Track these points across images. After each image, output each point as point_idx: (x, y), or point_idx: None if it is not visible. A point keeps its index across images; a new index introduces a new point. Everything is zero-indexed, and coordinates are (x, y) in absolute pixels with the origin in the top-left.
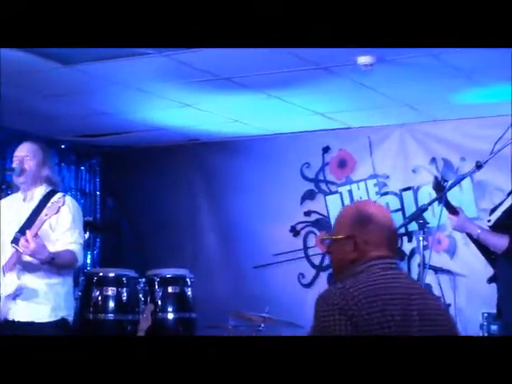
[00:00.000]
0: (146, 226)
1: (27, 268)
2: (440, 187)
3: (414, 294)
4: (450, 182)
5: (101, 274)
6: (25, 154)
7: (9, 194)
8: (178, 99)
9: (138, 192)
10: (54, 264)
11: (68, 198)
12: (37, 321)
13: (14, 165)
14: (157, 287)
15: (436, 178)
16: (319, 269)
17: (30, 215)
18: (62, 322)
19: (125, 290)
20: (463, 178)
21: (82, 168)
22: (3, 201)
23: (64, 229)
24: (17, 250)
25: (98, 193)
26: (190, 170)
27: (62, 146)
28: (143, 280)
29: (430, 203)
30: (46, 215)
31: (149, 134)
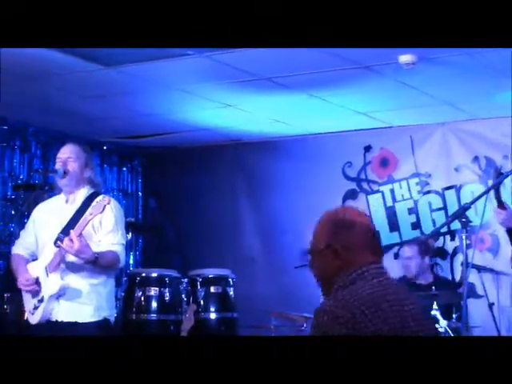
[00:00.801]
0: (188, 226)
1: (70, 268)
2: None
3: (405, 299)
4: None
5: (143, 275)
6: (68, 156)
7: (51, 196)
8: (220, 100)
9: (180, 192)
10: (97, 264)
11: (112, 200)
12: (80, 321)
13: (57, 166)
14: (199, 287)
15: (496, 168)
16: None
17: (73, 216)
18: (105, 322)
19: (167, 290)
20: None
21: (124, 169)
22: (45, 203)
23: (107, 230)
24: (61, 249)
25: (140, 193)
26: (232, 171)
27: (105, 148)
28: (186, 280)
29: (473, 202)
30: (91, 214)
31: (191, 135)
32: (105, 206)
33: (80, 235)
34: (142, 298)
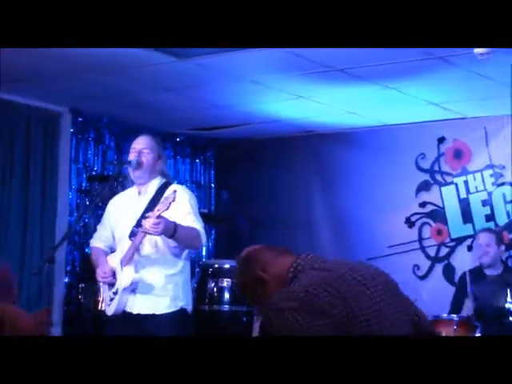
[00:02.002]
0: (261, 217)
1: (145, 261)
2: None
3: (349, 269)
4: None
5: (216, 266)
6: (143, 147)
7: (125, 187)
8: (293, 91)
9: (252, 184)
10: (178, 238)
11: (180, 191)
12: (157, 313)
13: (132, 157)
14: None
15: None
16: (434, 260)
17: (146, 208)
18: (182, 312)
19: None
20: None
21: (197, 161)
22: (119, 196)
23: (184, 214)
24: (144, 234)
25: (212, 185)
26: (305, 162)
27: (177, 139)
28: None
29: None
30: (158, 210)
31: (263, 126)
32: (170, 203)
33: (159, 216)
34: (215, 289)
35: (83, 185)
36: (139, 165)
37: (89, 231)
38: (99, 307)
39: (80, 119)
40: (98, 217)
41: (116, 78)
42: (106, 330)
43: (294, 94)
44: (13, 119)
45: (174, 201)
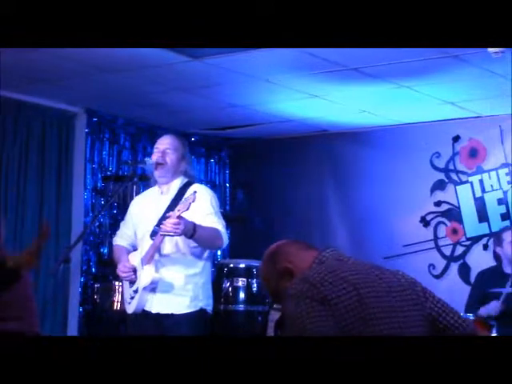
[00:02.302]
0: (276, 216)
1: (166, 261)
2: None
3: (366, 268)
4: None
5: (231, 265)
6: (166, 147)
7: (140, 187)
8: (307, 90)
9: (267, 183)
10: (197, 238)
11: (200, 190)
12: (176, 312)
13: (155, 157)
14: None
15: None
16: (450, 259)
17: (168, 207)
18: (201, 312)
19: (255, 280)
20: None
21: (212, 160)
22: (142, 195)
23: (204, 214)
24: (156, 240)
25: (227, 185)
26: (319, 161)
27: (192, 139)
28: None
29: None
30: (179, 211)
31: (278, 126)
32: (190, 203)
33: (179, 217)
34: (230, 289)
35: (98, 185)
36: (160, 164)
37: (104, 231)
38: (115, 307)
39: (95, 119)
40: (113, 217)
41: (131, 79)
42: (125, 328)
43: (308, 93)
44: (28, 120)
45: (194, 201)
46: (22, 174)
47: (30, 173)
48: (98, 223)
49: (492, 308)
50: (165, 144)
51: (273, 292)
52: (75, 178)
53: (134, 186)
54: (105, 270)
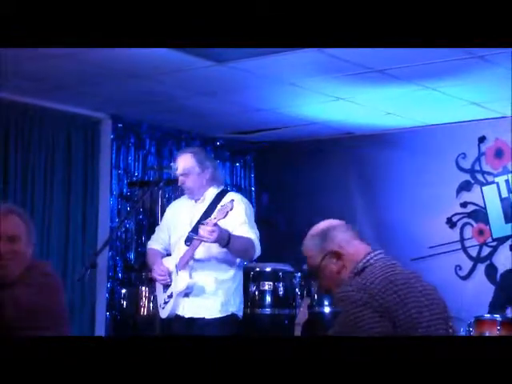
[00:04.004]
0: (301, 220)
1: (199, 266)
2: None
3: (412, 277)
4: None
5: (257, 269)
6: (181, 172)
7: (168, 191)
8: (332, 93)
9: (292, 186)
10: (231, 248)
11: (237, 200)
12: (207, 317)
13: (179, 183)
14: (313, 281)
15: None
16: (476, 260)
17: (202, 215)
18: (232, 317)
19: (281, 284)
20: None
21: (237, 164)
22: (178, 201)
23: (239, 223)
24: (192, 246)
25: (252, 188)
26: (345, 164)
27: (217, 143)
28: (299, 274)
29: None
30: (215, 218)
31: (302, 129)
32: (227, 212)
33: (215, 225)
34: (257, 293)
35: (124, 190)
36: (183, 187)
37: (130, 237)
38: (141, 312)
39: (120, 125)
40: (138, 222)
41: (156, 83)
42: (153, 332)
43: (333, 95)
44: (53, 126)
45: (231, 210)
46: (48, 181)
47: (56, 179)
48: (124, 229)
49: None
50: (179, 169)
51: (313, 267)
52: (101, 184)
53: (160, 191)
54: (131, 275)
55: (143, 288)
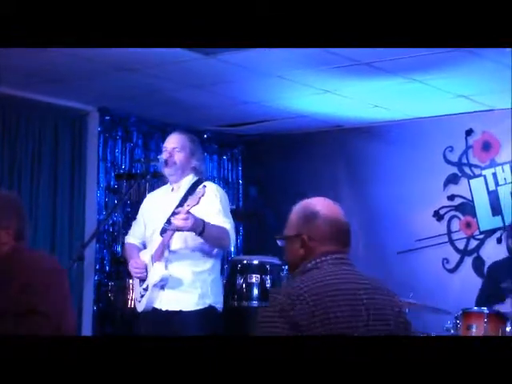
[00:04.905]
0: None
1: (175, 257)
2: None
3: (362, 289)
4: None
5: (245, 262)
6: (174, 146)
7: (153, 185)
8: (319, 86)
9: (280, 179)
10: (206, 237)
11: (211, 187)
12: (184, 309)
13: (164, 156)
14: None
15: None
16: (464, 253)
17: (178, 205)
18: (210, 309)
19: (269, 277)
20: None
21: (225, 157)
22: (153, 193)
23: (214, 213)
24: (165, 237)
25: (240, 181)
26: (332, 157)
27: (205, 136)
28: (287, 267)
29: None
30: (188, 206)
31: (290, 122)
32: (199, 198)
33: (188, 212)
34: (244, 286)
35: (111, 183)
36: (168, 163)
37: (118, 230)
38: (129, 305)
39: (107, 118)
40: (126, 215)
41: (143, 76)
42: (135, 327)
43: (321, 88)
44: (40, 119)
45: (203, 195)
46: (35, 174)
47: (43, 172)
48: (111, 221)
49: None
50: (173, 143)
51: (284, 236)
52: (88, 177)
53: (147, 184)
54: (118, 268)
55: (130, 281)
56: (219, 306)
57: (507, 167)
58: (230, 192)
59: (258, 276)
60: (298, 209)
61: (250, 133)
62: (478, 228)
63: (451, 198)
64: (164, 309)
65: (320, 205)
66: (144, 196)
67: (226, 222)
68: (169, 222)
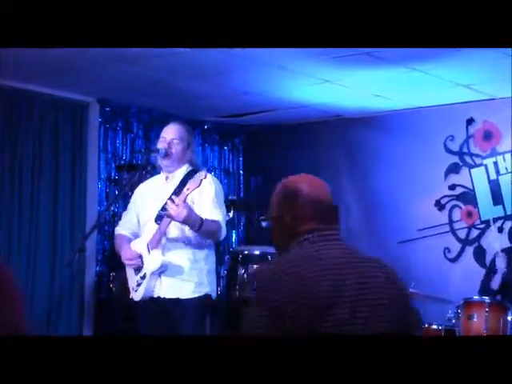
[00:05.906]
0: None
1: (172, 245)
2: None
3: (346, 263)
4: None
5: (246, 252)
6: (172, 137)
7: (154, 175)
8: (320, 76)
9: (281, 169)
10: (201, 231)
11: (209, 177)
12: (182, 297)
13: (160, 146)
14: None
15: None
16: (465, 243)
17: (173, 193)
18: (206, 297)
19: None
20: None
21: (225, 148)
22: (146, 182)
23: (207, 203)
24: (162, 225)
25: (241, 172)
26: (334, 147)
27: (205, 127)
28: None
29: None
30: (188, 189)
31: (291, 112)
32: (201, 180)
33: (184, 202)
34: (245, 276)
35: (112, 174)
36: (167, 154)
37: (118, 221)
38: (130, 295)
39: (108, 109)
40: (127, 206)
41: (144, 67)
42: (134, 316)
43: (321, 78)
44: (41, 111)
45: (205, 177)
46: (36, 165)
47: (44, 164)
48: (112, 212)
49: None
50: (171, 134)
51: (268, 217)
52: (89, 168)
53: (148, 175)
54: (120, 258)
55: (127, 268)
56: (214, 294)
57: (508, 156)
58: (231, 182)
59: None
60: (279, 189)
61: (250, 123)
62: (479, 217)
63: (452, 187)
64: (162, 296)
65: (301, 183)
66: None
67: (218, 214)
68: (164, 209)
